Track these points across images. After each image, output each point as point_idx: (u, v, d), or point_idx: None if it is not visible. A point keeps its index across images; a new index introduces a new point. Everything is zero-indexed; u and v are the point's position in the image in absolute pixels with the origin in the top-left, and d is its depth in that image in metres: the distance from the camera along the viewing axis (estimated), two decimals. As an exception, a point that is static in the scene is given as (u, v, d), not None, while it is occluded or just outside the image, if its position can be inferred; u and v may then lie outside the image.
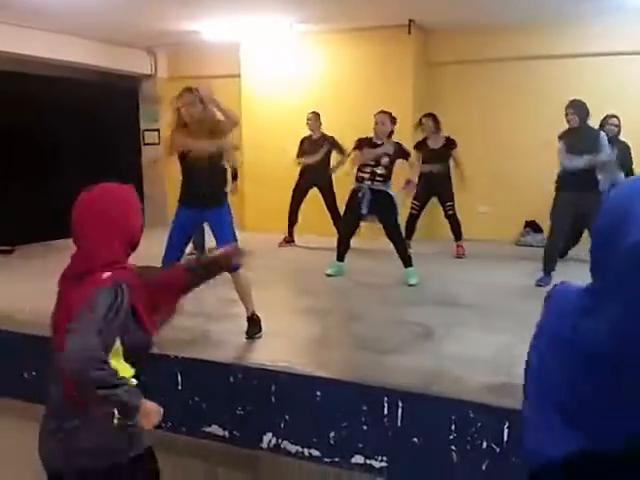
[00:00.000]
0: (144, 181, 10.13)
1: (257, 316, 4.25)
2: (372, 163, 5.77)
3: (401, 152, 5.89)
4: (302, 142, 7.74)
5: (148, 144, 10.07)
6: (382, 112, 5.93)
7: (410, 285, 5.64)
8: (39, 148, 8.29)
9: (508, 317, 4.51)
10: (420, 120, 7.15)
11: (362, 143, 5.92)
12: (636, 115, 7.08)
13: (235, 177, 7.24)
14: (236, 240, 4.32)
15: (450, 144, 7.08)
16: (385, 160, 5.78)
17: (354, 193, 5.87)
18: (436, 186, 7.11)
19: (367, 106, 7.96)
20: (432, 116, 7.13)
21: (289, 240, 7.98)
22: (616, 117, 6.42)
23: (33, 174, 8.21)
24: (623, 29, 7.30)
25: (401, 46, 8.02)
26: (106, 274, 1.90)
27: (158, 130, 9.96)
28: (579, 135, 5.48)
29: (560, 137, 5.60)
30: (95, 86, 9.34)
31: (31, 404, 3.63)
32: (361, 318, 4.69)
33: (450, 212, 7.21)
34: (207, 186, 4.28)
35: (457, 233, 7.24)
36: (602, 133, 5.65)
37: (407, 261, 5.78)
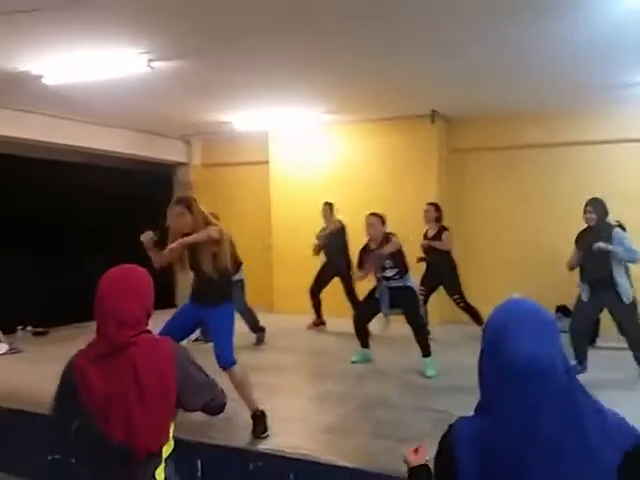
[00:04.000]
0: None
1: (261, 412, 4.10)
2: (380, 269, 5.80)
3: (399, 260, 5.82)
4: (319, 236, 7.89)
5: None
6: (371, 214, 5.99)
7: (428, 377, 5.53)
8: (77, 232, 8.62)
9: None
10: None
11: (362, 256, 5.96)
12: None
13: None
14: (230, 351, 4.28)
15: (443, 230, 7.07)
16: (388, 263, 5.77)
17: (374, 290, 5.95)
18: (439, 275, 7.06)
19: (392, 193, 8.23)
20: (434, 205, 7.23)
21: (318, 323, 8.00)
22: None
23: (72, 258, 8.48)
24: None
25: (425, 135, 8.28)
26: (151, 335, 2.10)
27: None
28: (592, 234, 5.41)
29: (575, 241, 5.58)
30: (133, 173, 9.78)
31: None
32: (382, 405, 4.65)
33: (461, 304, 7.09)
34: (207, 285, 4.22)
35: (477, 319, 7.02)
36: (617, 229, 5.47)
37: (425, 350, 5.71)
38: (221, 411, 2.30)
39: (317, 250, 7.80)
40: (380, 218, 5.98)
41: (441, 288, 7.25)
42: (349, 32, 5.03)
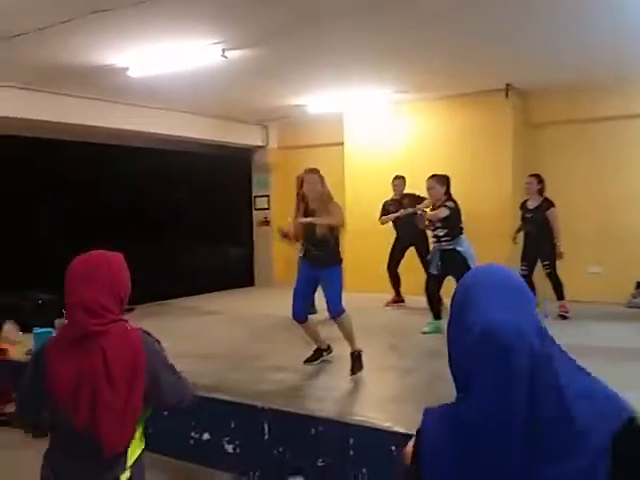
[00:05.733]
0: (255, 244, 10.80)
1: (358, 352, 4.71)
2: (432, 227, 5.97)
3: (450, 223, 5.94)
4: (384, 205, 7.94)
5: (259, 209, 10.75)
6: (430, 177, 6.12)
7: None
8: (163, 216, 9.12)
9: (606, 379, 4.36)
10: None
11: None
12: None
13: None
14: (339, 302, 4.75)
15: (546, 204, 6.98)
16: (438, 223, 5.90)
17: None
18: (538, 247, 7.00)
19: (467, 169, 8.13)
20: (536, 176, 7.11)
21: (397, 300, 8.04)
22: None
23: (159, 239, 8.96)
24: None
25: (499, 110, 8.12)
26: (129, 325, 2.02)
27: (268, 196, 10.64)
28: None
29: None
30: (213, 158, 10.20)
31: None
32: (446, 379, 4.71)
33: (548, 270, 6.99)
34: (321, 249, 4.86)
35: (558, 292, 7.00)
36: None
37: None
38: (189, 407, 2.17)
39: (385, 220, 7.71)
40: (438, 179, 6.07)
41: None
42: (422, 9, 5.02)
